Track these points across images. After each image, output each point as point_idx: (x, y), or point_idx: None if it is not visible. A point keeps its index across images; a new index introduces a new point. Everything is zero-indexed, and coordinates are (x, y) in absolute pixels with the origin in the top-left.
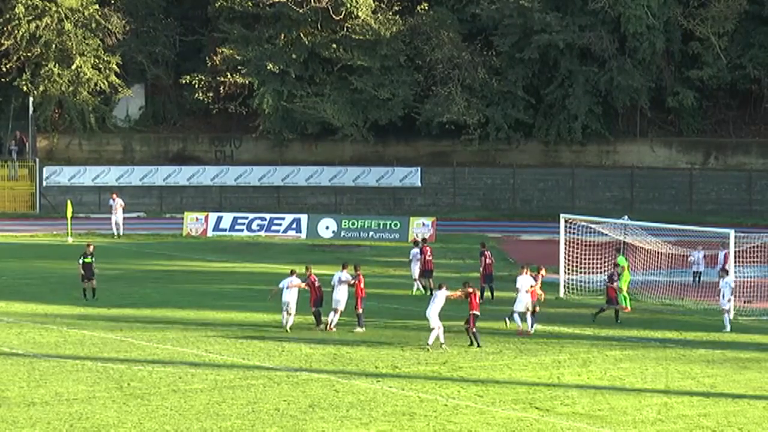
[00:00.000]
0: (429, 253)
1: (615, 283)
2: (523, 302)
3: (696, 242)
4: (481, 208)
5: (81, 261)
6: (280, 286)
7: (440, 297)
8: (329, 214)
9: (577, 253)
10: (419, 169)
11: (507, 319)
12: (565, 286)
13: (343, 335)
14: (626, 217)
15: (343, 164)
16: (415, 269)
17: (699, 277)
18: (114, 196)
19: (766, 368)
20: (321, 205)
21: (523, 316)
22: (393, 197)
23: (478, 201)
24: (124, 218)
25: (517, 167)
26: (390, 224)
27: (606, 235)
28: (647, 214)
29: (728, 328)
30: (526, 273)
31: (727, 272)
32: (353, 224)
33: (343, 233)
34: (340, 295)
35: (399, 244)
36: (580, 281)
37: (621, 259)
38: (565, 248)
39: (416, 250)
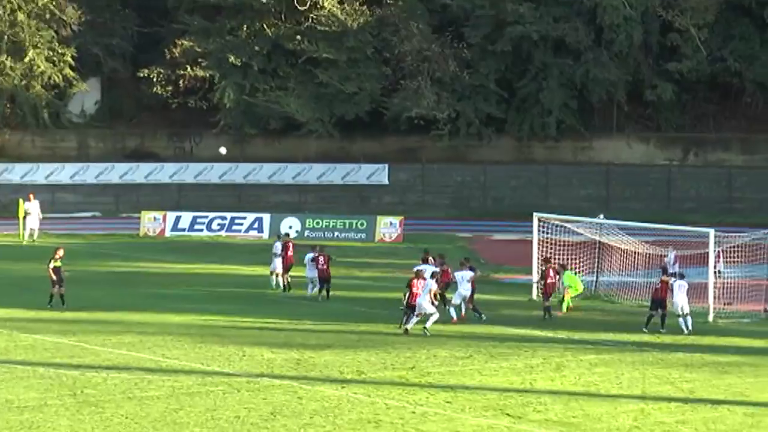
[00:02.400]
0: (291, 249)
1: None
2: (462, 295)
3: (675, 242)
4: (450, 206)
5: (50, 266)
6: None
7: (430, 287)
8: (293, 213)
9: (550, 253)
10: (386, 166)
11: (446, 308)
12: (538, 287)
13: (306, 339)
14: (602, 215)
15: (307, 161)
16: (278, 264)
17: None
18: (31, 197)
19: (747, 372)
20: (284, 204)
21: (458, 307)
22: (359, 195)
23: (447, 199)
24: (80, 218)
25: (488, 164)
26: (356, 224)
27: (581, 234)
28: (624, 212)
29: (690, 328)
30: (466, 268)
31: (682, 275)
32: (318, 224)
33: (307, 233)
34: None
35: (365, 245)
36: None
37: (567, 277)
38: (539, 248)
39: (278, 244)
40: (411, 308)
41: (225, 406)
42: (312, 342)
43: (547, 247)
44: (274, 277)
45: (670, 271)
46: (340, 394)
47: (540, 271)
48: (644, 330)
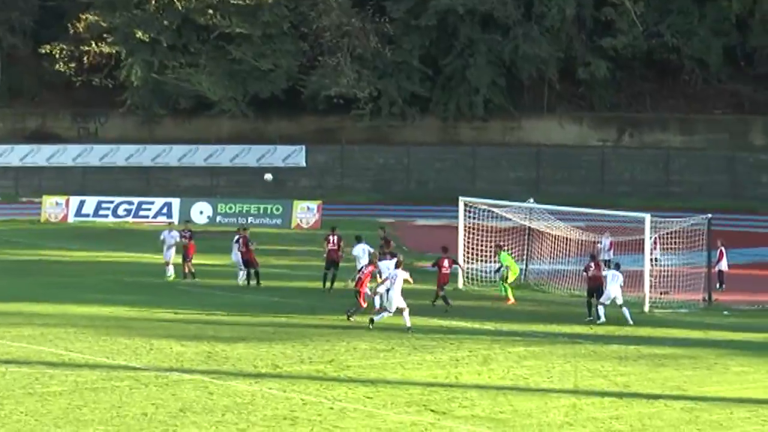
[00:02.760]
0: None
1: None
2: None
3: (609, 228)
4: (372, 190)
5: None
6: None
7: (399, 278)
8: (204, 197)
9: (478, 239)
10: (304, 147)
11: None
12: (464, 276)
13: (218, 331)
14: (532, 200)
15: (219, 142)
16: (171, 254)
17: (609, 266)
18: None
19: (685, 365)
20: (195, 188)
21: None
22: (275, 179)
23: (368, 182)
24: None
25: (412, 145)
26: (271, 209)
27: (509, 220)
28: (555, 196)
29: (602, 318)
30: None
31: (618, 265)
32: (231, 209)
33: (219, 218)
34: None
35: (281, 231)
36: (481, 271)
37: (504, 258)
38: (465, 235)
39: (167, 234)
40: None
41: (131, 403)
42: (224, 334)
43: (473, 233)
44: (170, 267)
45: (604, 257)
46: (253, 389)
47: (434, 259)
48: (589, 319)
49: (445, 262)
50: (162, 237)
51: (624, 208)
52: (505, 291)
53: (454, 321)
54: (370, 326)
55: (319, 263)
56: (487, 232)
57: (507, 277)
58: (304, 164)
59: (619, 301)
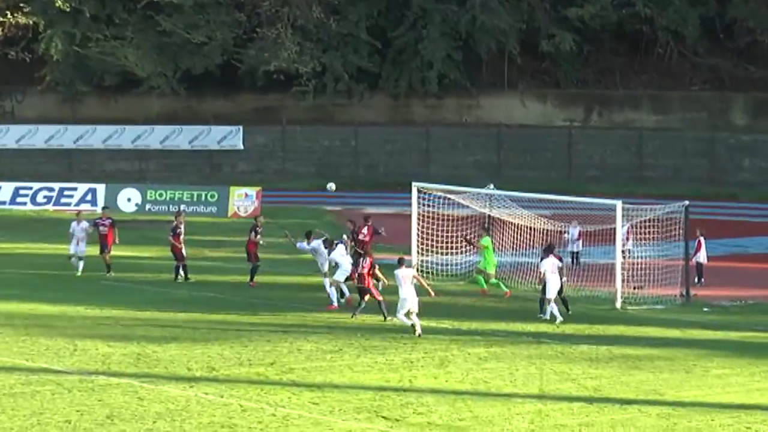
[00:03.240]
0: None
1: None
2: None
3: (577, 216)
4: (316, 175)
5: None
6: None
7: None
8: (132, 183)
9: (432, 229)
10: (241, 128)
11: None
12: (418, 269)
13: (149, 330)
14: (492, 185)
15: (148, 123)
16: (78, 247)
17: (577, 258)
18: None
19: (661, 367)
20: (122, 173)
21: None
22: (210, 162)
23: (312, 167)
24: None
25: (360, 126)
26: (206, 195)
27: (467, 207)
28: (517, 181)
29: (547, 316)
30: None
31: (551, 247)
32: (161, 196)
33: (148, 206)
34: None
35: (217, 220)
36: (437, 263)
37: (486, 240)
38: (419, 224)
39: (76, 224)
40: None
41: (54, 409)
42: (155, 333)
43: (428, 222)
44: (76, 261)
45: (572, 249)
46: (188, 394)
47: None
48: (540, 315)
49: (364, 230)
50: (71, 229)
51: (593, 194)
52: (480, 282)
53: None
54: (354, 314)
55: (262, 256)
56: (443, 220)
57: (483, 271)
58: (241, 146)
59: (550, 295)
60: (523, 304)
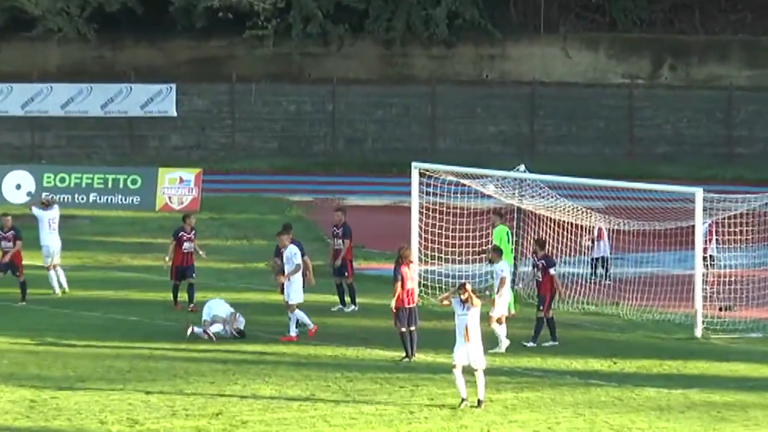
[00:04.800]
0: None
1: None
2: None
3: (637, 210)
4: (278, 152)
5: None
6: None
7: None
8: (22, 163)
9: (440, 227)
10: (174, 87)
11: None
12: (421, 283)
13: (45, 367)
14: (522, 166)
15: (46, 79)
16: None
17: (605, 266)
18: None
19: (756, 419)
20: (9, 149)
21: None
22: (130, 135)
23: (273, 141)
24: None
25: (339, 84)
26: (125, 181)
27: (489, 197)
28: (558, 161)
29: (502, 347)
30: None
31: (498, 251)
32: (63, 181)
33: (44, 195)
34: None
35: (140, 215)
36: (446, 275)
37: (500, 231)
38: (421, 221)
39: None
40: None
41: None
42: (55, 373)
43: (434, 218)
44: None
45: (596, 255)
46: None
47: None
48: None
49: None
50: None
51: (663, 179)
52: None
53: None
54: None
55: (201, 266)
56: (455, 216)
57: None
58: (174, 112)
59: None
60: (565, 331)
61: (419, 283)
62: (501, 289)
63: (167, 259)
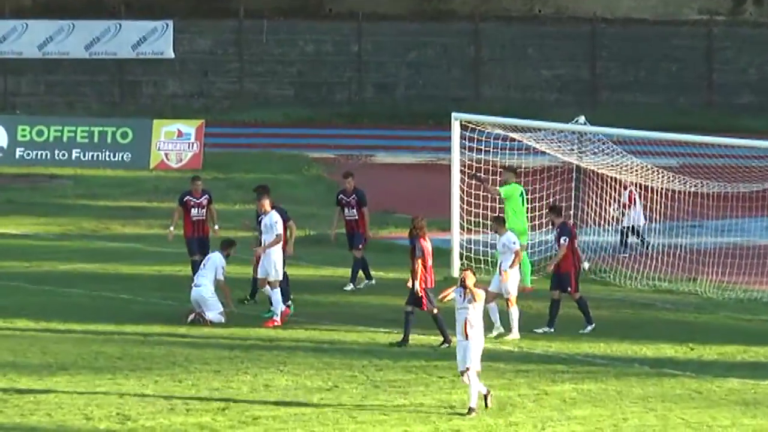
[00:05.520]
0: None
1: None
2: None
3: (717, 169)
4: (294, 100)
5: None
6: None
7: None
8: None
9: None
10: (171, 24)
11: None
12: (462, 254)
13: (22, 353)
14: (582, 118)
15: (20, 15)
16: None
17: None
18: None
19: None
20: None
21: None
22: (120, 80)
23: (288, 87)
24: None
25: (366, 20)
26: (114, 134)
27: (543, 154)
28: (624, 111)
29: (495, 331)
30: None
31: (500, 220)
32: (40, 135)
33: (20, 153)
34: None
35: (132, 174)
36: (492, 244)
37: (512, 189)
38: (462, 182)
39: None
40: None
41: None
42: (34, 360)
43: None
44: None
45: (628, 223)
46: None
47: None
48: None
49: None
50: None
51: (748, 133)
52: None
53: (438, 336)
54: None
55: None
56: (502, 176)
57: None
58: (171, 54)
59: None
60: (633, 312)
61: (461, 255)
62: (514, 264)
63: (171, 229)
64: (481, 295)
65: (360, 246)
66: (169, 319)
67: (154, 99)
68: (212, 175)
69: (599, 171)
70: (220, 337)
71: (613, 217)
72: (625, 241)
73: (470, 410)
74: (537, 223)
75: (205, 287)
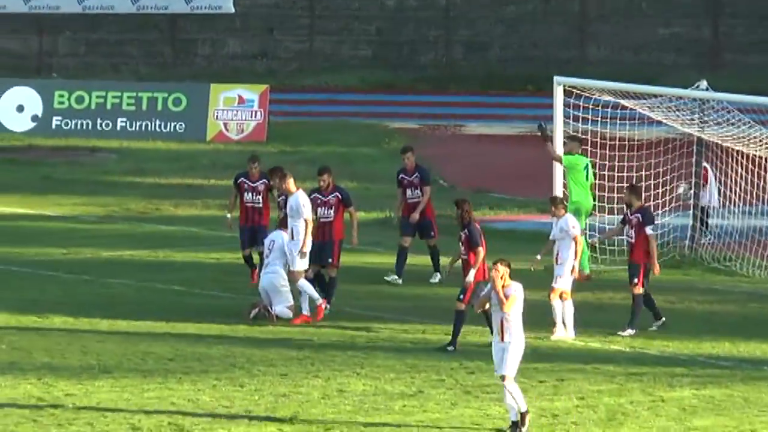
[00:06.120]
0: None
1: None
2: None
3: None
4: (373, 62)
5: None
6: None
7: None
8: (26, 77)
9: (593, 165)
10: None
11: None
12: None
13: (58, 355)
14: (704, 83)
15: None
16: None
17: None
18: None
19: None
20: (9, 58)
21: None
22: (172, 38)
23: (366, 47)
24: None
25: None
26: (165, 101)
27: (660, 124)
28: (751, 75)
29: (566, 332)
30: None
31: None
32: (80, 101)
33: (57, 122)
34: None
35: (186, 147)
36: (602, 229)
37: (577, 160)
38: (565, 155)
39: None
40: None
41: None
42: (72, 361)
43: (584, 150)
44: None
45: (705, 203)
46: None
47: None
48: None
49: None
50: None
51: None
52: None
53: (543, 332)
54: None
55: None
56: (612, 149)
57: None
58: (231, 9)
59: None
60: (761, 306)
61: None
62: (579, 252)
63: (229, 215)
64: (513, 298)
65: (433, 234)
66: (229, 314)
67: (211, 60)
68: (278, 149)
69: (723, 144)
70: (287, 334)
71: (678, 196)
72: (706, 222)
73: (523, 417)
74: (657, 202)
75: (277, 274)
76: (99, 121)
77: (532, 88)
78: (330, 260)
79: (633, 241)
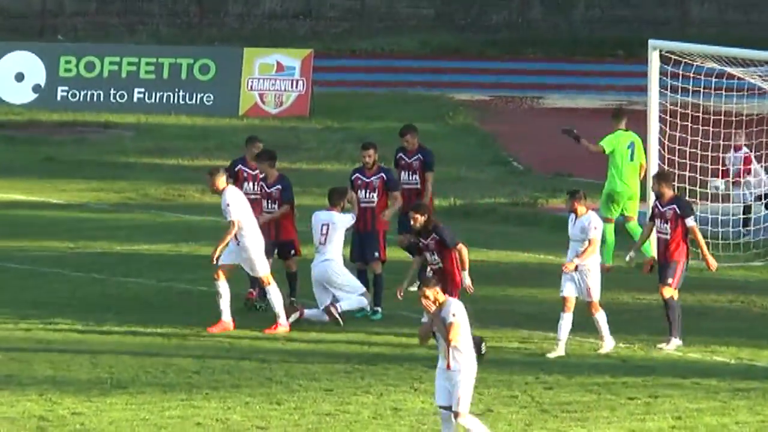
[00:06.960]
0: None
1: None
2: None
3: None
4: (436, 23)
5: None
6: None
7: None
8: (27, 40)
9: (693, 143)
10: None
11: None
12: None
13: (63, 367)
14: None
15: None
16: None
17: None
18: None
19: None
20: (8, 18)
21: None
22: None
23: (428, 5)
24: None
25: None
26: (190, 68)
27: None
28: None
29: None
30: None
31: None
32: (91, 68)
33: (63, 93)
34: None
35: (214, 122)
36: (705, 214)
37: (615, 140)
38: (663, 132)
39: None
40: None
41: None
42: (79, 374)
43: (683, 127)
44: None
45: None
46: None
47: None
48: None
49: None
50: None
51: None
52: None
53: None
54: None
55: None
56: (716, 125)
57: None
58: None
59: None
60: None
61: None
62: (586, 255)
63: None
64: (455, 326)
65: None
66: (264, 319)
67: (245, 20)
68: (323, 125)
69: None
70: (331, 343)
71: (716, 187)
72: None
73: None
74: None
75: (334, 261)
76: (112, 92)
77: (623, 53)
78: (377, 254)
79: (668, 237)
